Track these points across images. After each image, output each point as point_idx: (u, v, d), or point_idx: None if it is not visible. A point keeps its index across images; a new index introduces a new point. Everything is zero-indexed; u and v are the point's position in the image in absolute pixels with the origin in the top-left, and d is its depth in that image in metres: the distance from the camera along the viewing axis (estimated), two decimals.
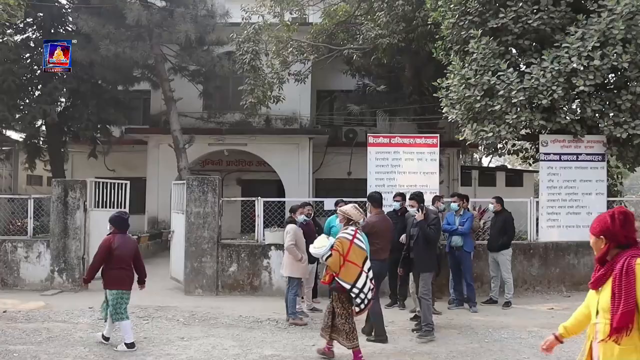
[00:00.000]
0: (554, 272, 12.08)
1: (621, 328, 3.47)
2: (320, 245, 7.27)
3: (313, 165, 22.52)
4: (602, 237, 3.73)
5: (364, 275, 7.01)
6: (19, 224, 13.73)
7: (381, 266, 8.27)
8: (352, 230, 7.15)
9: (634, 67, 11.22)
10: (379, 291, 11.03)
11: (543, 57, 11.43)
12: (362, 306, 7.07)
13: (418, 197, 8.89)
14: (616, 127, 11.58)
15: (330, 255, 7.04)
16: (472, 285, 10.58)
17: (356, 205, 7.54)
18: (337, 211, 7.92)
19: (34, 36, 20.12)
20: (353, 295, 6.97)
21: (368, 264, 7.15)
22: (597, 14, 11.14)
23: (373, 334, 8.35)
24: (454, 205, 10.67)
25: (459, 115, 12.41)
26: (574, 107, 12.37)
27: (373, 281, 7.25)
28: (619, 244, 3.73)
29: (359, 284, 6.96)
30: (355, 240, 7.08)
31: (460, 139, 13.33)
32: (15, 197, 14.44)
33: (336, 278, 7.00)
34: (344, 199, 11.66)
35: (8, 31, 16.87)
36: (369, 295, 7.07)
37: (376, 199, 8.69)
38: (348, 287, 6.93)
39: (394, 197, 10.80)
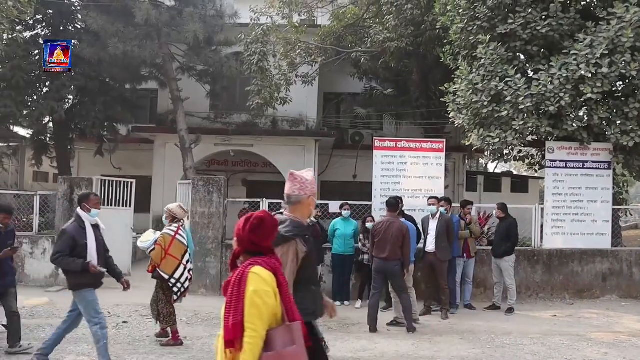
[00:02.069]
0: (558, 279, 12.06)
1: (231, 341, 3.26)
2: (146, 239, 8.12)
3: (319, 167, 22.51)
4: (234, 239, 3.56)
5: (182, 267, 7.89)
6: (25, 220, 13.78)
7: (380, 264, 9.04)
8: (175, 226, 7.99)
9: None
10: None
11: (551, 63, 11.42)
12: (179, 294, 7.96)
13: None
14: (623, 135, 11.56)
15: (154, 249, 7.93)
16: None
17: (181, 204, 8.40)
18: (165, 209, 8.31)
19: (43, 33, 20.20)
20: (171, 285, 7.86)
21: (187, 257, 7.99)
22: (606, 22, 11.12)
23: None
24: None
25: (465, 120, 12.40)
26: (581, 114, 12.35)
27: (191, 272, 8.22)
28: (247, 249, 3.45)
29: (177, 275, 7.86)
30: (177, 236, 7.92)
31: (467, 144, 13.33)
32: (22, 194, 14.51)
33: (158, 269, 7.88)
34: (349, 202, 11.70)
35: (18, 28, 16.92)
36: (186, 285, 7.97)
37: (391, 204, 9.35)
38: (167, 277, 7.83)
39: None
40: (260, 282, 3.28)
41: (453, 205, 11.63)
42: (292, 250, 3.98)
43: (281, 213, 4.33)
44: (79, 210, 6.74)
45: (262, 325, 3.24)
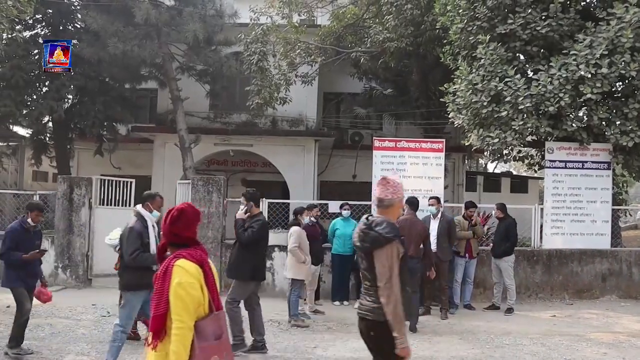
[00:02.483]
0: (557, 279, 12.06)
1: (155, 332, 3.31)
2: (114, 237, 7.95)
3: (318, 167, 22.49)
4: (161, 233, 3.57)
5: None
6: None
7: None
8: None
9: None
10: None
11: (551, 64, 11.42)
12: None
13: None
14: (622, 136, 11.57)
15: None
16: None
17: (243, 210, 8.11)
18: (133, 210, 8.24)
19: (42, 33, 20.18)
20: None
21: None
22: (605, 22, 11.13)
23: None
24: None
25: (465, 120, 12.41)
26: (580, 114, 12.36)
27: None
28: (171, 242, 3.51)
29: None
30: None
31: (466, 144, 13.33)
32: (21, 193, 14.52)
33: None
34: (349, 202, 11.71)
35: (17, 27, 16.91)
36: None
37: (412, 202, 9.35)
38: None
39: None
40: (184, 274, 3.34)
41: (454, 205, 11.64)
42: (394, 250, 4.02)
43: (370, 215, 4.35)
44: (140, 208, 6.81)
45: (189, 317, 3.30)
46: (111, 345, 6.50)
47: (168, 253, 3.54)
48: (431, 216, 10.42)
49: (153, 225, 6.80)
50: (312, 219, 10.27)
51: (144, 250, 6.49)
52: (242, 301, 7.81)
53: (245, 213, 7.84)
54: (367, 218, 4.21)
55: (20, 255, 7.15)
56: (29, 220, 7.37)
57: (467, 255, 10.97)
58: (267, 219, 12.02)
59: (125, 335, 6.61)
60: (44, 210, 7.80)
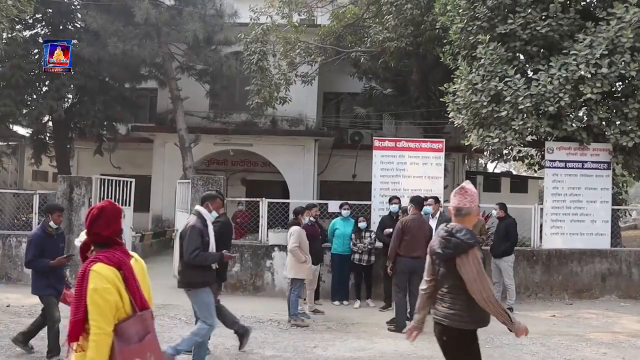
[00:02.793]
0: (557, 279, 12.06)
1: (72, 337, 3.27)
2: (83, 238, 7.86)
3: (318, 167, 22.52)
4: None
5: None
6: (24, 219, 13.79)
7: (412, 263, 8.79)
8: None
9: None
10: (372, 293, 11.19)
11: (551, 63, 11.42)
12: None
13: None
14: (622, 136, 11.56)
15: None
16: None
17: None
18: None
19: (42, 32, 20.22)
20: None
21: None
22: (605, 22, 11.13)
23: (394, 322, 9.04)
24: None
25: (465, 120, 12.41)
26: (580, 114, 12.35)
27: None
28: (92, 241, 3.48)
29: None
30: None
31: (466, 144, 13.34)
32: (21, 192, 14.53)
33: None
34: (349, 202, 11.70)
35: (17, 27, 16.92)
36: None
37: (418, 202, 9.32)
38: None
39: (390, 200, 10.95)
40: (99, 280, 3.29)
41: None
42: (477, 254, 4.17)
43: (449, 222, 4.50)
44: (200, 208, 6.75)
45: (105, 322, 3.26)
46: (190, 336, 6.50)
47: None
48: (429, 216, 10.36)
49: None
50: (312, 218, 10.27)
51: (203, 249, 6.44)
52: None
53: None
54: (446, 226, 4.39)
55: (47, 262, 6.99)
56: (51, 222, 7.21)
57: None
58: (266, 219, 12.08)
59: (210, 332, 6.64)
60: (64, 210, 7.71)
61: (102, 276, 3.30)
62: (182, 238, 6.60)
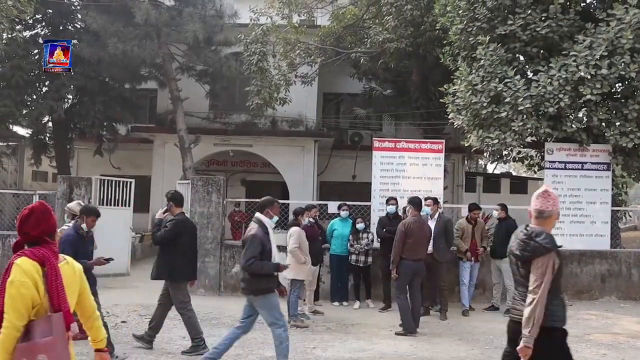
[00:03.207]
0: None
1: None
2: None
3: (318, 167, 22.52)
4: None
5: None
6: None
7: (414, 265, 8.92)
8: (71, 223, 7.71)
9: None
10: (370, 294, 11.18)
11: (550, 64, 11.43)
12: None
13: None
14: (622, 137, 11.57)
15: None
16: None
17: (80, 202, 8.40)
18: (66, 208, 8.31)
19: (42, 33, 20.23)
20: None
21: None
22: (605, 23, 11.13)
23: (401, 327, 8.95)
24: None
25: (465, 121, 12.41)
26: (580, 115, 12.35)
27: None
28: (24, 240, 3.50)
29: None
30: None
31: (466, 145, 13.33)
32: (21, 193, 14.53)
33: None
34: (347, 203, 11.69)
35: (17, 27, 16.93)
36: None
37: (416, 202, 9.25)
38: None
39: (387, 201, 10.97)
40: (18, 272, 3.29)
41: (453, 206, 11.61)
42: (551, 260, 4.43)
43: (528, 225, 4.61)
44: (260, 215, 6.77)
45: (16, 316, 3.24)
46: (280, 348, 6.62)
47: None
48: (428, 217, 10.35)
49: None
50: (311, 219, 10.26)
51: (262, 258, 6.48)
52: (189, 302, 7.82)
53: (165, 213, 7.92)
54: (525, 228, 4.50)
55: (85, 262, 6.62)
56: (84, 225, 7.07)
57: (472, 258, 10.85)
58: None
59: (287, 333, 6.71)
60: (100, 215, 7.56)
61: (22, 270, 3.30)
62: (243, 246, 6.66)
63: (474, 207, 11.24)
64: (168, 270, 7.70)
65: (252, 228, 6.67)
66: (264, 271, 6.53)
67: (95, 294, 6.97)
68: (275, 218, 6.90)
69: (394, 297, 10.51)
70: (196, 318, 7.79)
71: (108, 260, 7.18)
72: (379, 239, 11.00)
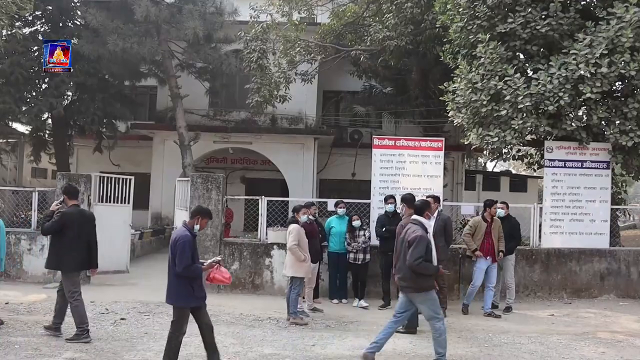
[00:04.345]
0: (556, 278, 12.07)
1: None
2: None
3: (317, 165, 22.54)
4: None
5: None
6: (23, 216, 13.78)
7: None
8: None
9: None
10: (365, 291, 11.16)
11: (550, 63, 11.42)
12: None
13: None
14: (622, 135, 11.57)
15: None
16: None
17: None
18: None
19: (42, 29, 20.22)
20: None
21: None
22: (605, 22, 11.12)
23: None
24: None
25: (464, 119, 12.41)
26: (580, 114, 12.34)
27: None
28: None
29: None
30: None
31: (466, 143, 13.33)
32: (20, 190, 14.48)
33: None
34: (344, 200, 11.67)
35: (17, 24, 16.93)
36: None
37: (409, 199, 9.03)
38: None
39: (385, 200, 10.98)
40: None
41: (453, 204, 11.58)
42: None
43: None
44: (420, 217, 7.22)
45: None
46: (439, 340, 7.06)
47: None
48: None
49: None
50: (311, 217, 10.25)
51: (428, 258, 6.96)
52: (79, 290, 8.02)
53: (59, 205, 8.19)
54: None
55: (199, 266, 6.57)
56: (196, 226, 6.69)
57: (490, 258, 10.47)
58: (266, 217, 12.06)
59: (445, 325, 7.17)
60: (212, 216, 7.41)
61: None
62: (409, 245, 6.98)
63: (491, 203, 10.73)
64: (56, 261, 8.08)
65: (416, 230, 7.05)
66: (428, 272, 7.04)
67: (204, 299, 6.78)
68: (433, 219, 7.34)
69: (394, 295, 10.54)
70: (84, 308, 7.94)
71: (220, 262, 6.89)
72: (378, 237, 11.00)
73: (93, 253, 8.21)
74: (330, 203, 12.42)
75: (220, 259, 6.93)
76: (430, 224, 7.13)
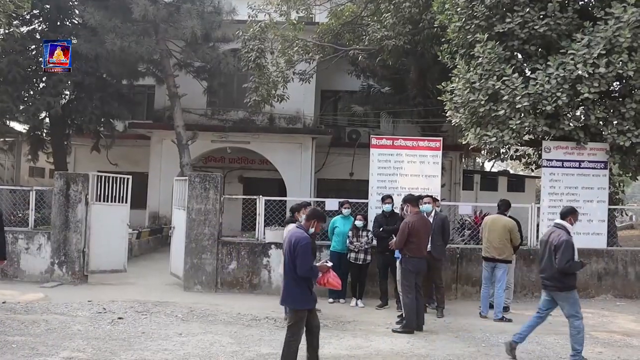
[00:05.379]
0: None
1: None
2: None
3: (315, 165, 22.53)
4: None
5: None
6: (20, 215, 13.76)
7: (420, 263, 9.07)
8: None
9: (639, 75, 11.19)
10: (364, 291, 11.15)
11: (548, 63, 11.43)
12: None
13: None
14: (619, 135, 11.57)
15: None
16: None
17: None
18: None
19: (40, 28, 20.18)
20: None
21: None
22: (603, 22, 11.13)
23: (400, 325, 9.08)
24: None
25: (462, 119, 12.41)
26: (578, 114, 12.37)
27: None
28: None
29: None
30: None
31: (464, 142, 13.33)
32: (17, 189, 14.45)
33: None
34: (350, 200, 11.65)
35: (14, 22, 16.87)
36: None
37: (413, 200, 9.33)
38: None
39: (383, 200, 10.98)
40: None
41: (451, 203, 11.56)
42: None
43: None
44: (564, 222, 7.63)
45: None
46: (578, 337, 7.50)
47: None
48: (425, 214, 10.28)
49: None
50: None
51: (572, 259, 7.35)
52: None
53: None
54: None
55: (315, 267, 6.60)
56: (312, 229, 6.76)
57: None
58: (263, 217, 12.06)
59: (583, 324, 7.58)
60: (326, 219, 7.34)
61: None
62: (555, 249, 7.38)
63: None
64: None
65: (561, 234, 7.43)
66: (576, 270, 7.50)
67: (316, 301, 6.82)
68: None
69: (391, 295, 10.55)
70: None
71: (330, 267, 6.91)
72: (375, 237, 10.99)
73: (1, 246, 8.49)
74: (329, 202, 12.43)
75: (331, 264, 6.99)
76: (572, 228, 7.60)
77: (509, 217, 10.68)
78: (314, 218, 6.82)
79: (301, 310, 6.52)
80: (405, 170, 12.20)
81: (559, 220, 7.68)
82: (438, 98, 13.49)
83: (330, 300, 11.15)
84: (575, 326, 7.51)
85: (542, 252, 7.66)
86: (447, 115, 13.05)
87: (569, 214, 7.70)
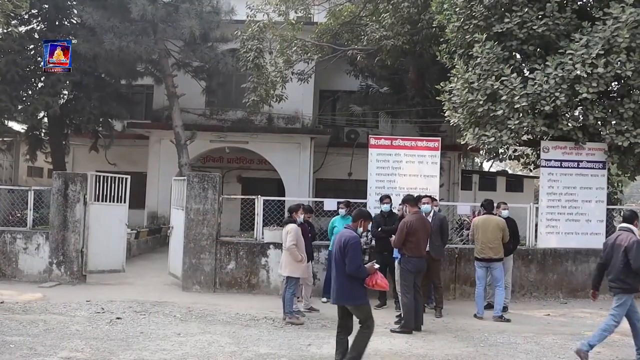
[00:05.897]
0: (552, 278, 12.09)
1: None
2: None
3: (314, 165, 22.52)
4: None
5: None
6: (19, 215, 13.74)
7: (419, 263, 9.09)
8: None
9: (637, 75, 11.20)
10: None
11: (547, 63, 11.43)
12: None
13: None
14: (618, 135, 11.58)
15: None
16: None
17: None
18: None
19: (38, 28, 20.13)
20: None
21: None
22: (602, 22, 11.14)
23: (399, 325, 9.13)
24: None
25: (461, 119, 12.41)
26: (576, 114, 12.37)
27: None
28: None
29: None
30: None
31: (462, 142, 13.33)
32: (16, 189, 14.43)
33: None
34: (350, 200, 11.64)
35: (13, 22, 16.82)
36: None
37: (412, 200, 9.38)
38: None
39: (381, 200, 10.97)
40: None
41: (449, 203, 11.57)
42: None
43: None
44: (630, 226, 7.71)
45: None
46: (601, 333, 7.45)
47: None
48: (424, 214, 10.28)
49: None
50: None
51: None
52: None
53: None
54: None
55: (364, 268, 6.75)
56: (360, 229, 7.11)
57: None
58: (262, 217, 12.06)
59: (615, 328, 7.50)
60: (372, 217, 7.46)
61: None
62: (626, 250, 7.37)
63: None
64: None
65: (630, 236, 7.48)
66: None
67: None
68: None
69: (390, 295, 10.55)
70: None
71: (376, 266, 6.99)
72: (373, 237, 10.99)
73: None
74: (327, 203, 12.43)
75: (378, 266, 7.02)
76: (637, 231, 7.67)
77: (509, 217, 10.75)
78: (360, 218, 7.11)
79: (365, 304, 6.79)
80: (403, 170, 12.21)
81: (624, 224, 7.78)
82: (436, 98, 13.49)
83: (324, 300, 11.09)
84: (607, 326, 7.50)
85: (609, 254, 7.66)
86: (445, 115, 13.04)
87: (635, 218, 7.83)
